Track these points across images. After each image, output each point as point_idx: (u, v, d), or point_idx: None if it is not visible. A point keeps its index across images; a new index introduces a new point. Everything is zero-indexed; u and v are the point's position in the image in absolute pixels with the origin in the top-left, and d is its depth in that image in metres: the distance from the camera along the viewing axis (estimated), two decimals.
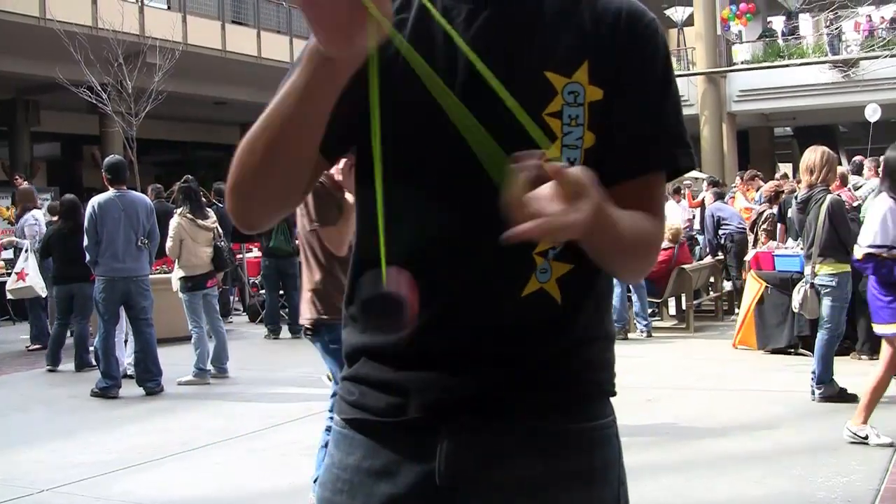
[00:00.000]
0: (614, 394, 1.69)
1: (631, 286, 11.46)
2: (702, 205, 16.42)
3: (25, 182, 17.54)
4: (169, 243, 9.63)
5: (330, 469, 1.68)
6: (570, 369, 1.61)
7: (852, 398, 7.59)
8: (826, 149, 7.85)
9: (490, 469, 1.57)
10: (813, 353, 7.83)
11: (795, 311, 8.26)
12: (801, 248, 8.69)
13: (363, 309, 1.34)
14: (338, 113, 1.43)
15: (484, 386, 1.55)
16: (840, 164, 19.36)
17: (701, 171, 23.06)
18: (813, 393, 7.74)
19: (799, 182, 9.26)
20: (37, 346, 12.45)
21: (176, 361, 9.87)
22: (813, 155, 7.76)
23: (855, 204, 10.05)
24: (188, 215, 9.80)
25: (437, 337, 1.55)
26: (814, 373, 7.79)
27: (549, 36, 1.55)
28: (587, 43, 1.54)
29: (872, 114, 20.29)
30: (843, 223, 7.65)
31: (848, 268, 7.70)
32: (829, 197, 7.68)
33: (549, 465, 1.59)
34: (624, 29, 1.56)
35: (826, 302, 7.64)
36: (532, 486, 1.58)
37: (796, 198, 8.26)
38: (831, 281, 7.61)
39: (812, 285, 7.80)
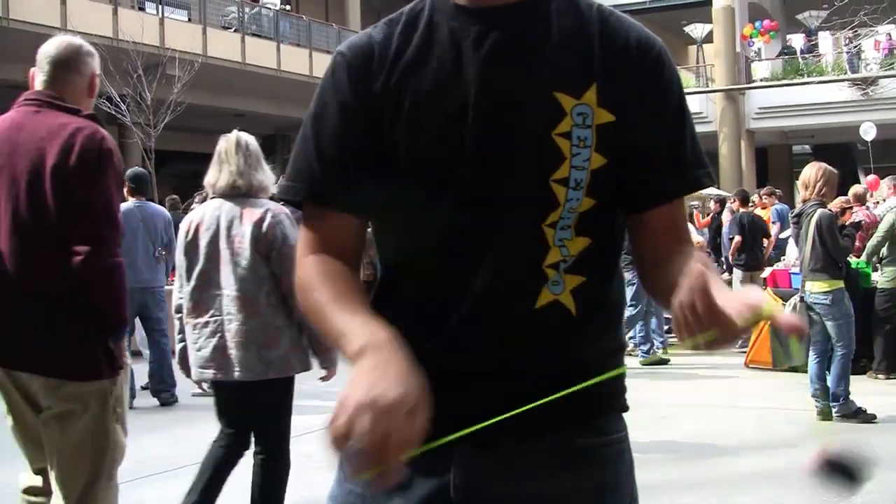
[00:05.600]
0: (626, 409, 1.70)
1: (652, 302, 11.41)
2: (711, 224, 16.38)
3: None
4: None
5: (342, 483, 1.68)
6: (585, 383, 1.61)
7: (871, 418, 7.52)
8: (824, 165, 7.80)
9: (504, 484, 1.58)
10: (829, 371, 7.75)
11: None
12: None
13: None
14: (362, 176, 1.57)
15: (499, 400, 1.55)
16: (858, 182, 19.32)
17: (719, 189, 23.01)
18: (820, 414, 7.67)
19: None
20: None
21: None
22: (810, 171, 7.72)
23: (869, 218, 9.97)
24: None
25: (452, 352, 1.57)
26: (815, 395, 7.72)
27: (558, 57, 1.56)
28: (595, 65, 1.56)
29: (868, 131, 20.21)
30: (833, 238, 7.54)
31: (841, 283, 7.59)
32: (818, 211, 7.60)
33: (563, 480, 1.60)
34: (636, 56, 1.58)
35: (830, 322, 7.53)
36: (546, 502, 1.59)
37: (792, 213, 8.22)
38: (825, 299, 7.52)
39: (802, 299, 7.72)
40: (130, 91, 17.39)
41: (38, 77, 3.49)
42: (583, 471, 1.61)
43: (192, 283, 4.36)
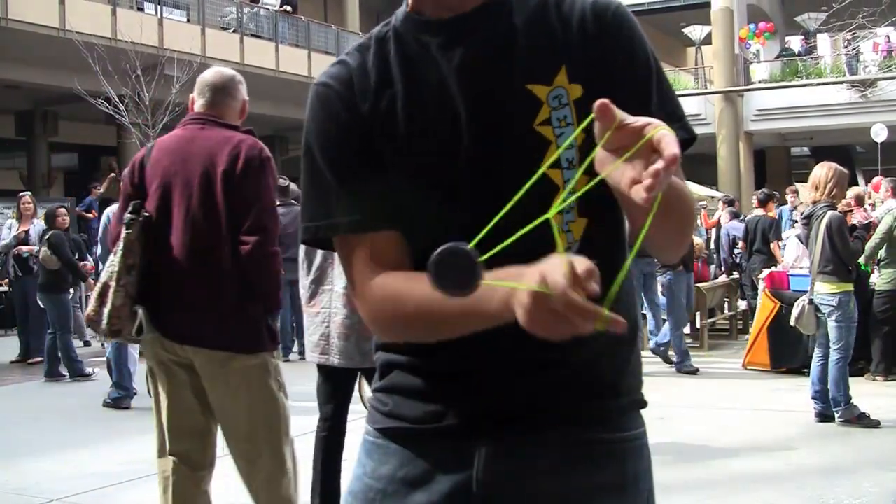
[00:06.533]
0: (645, 404, 1.71)
1: (646, 303, 11.42)
2: (717, 224, 16.34)
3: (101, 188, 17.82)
4: None
5: (361, 479, 1.69)
6: (604, 376, 1.63)
7: (874, 424, 7.48)
8: (835, 165, 7.69)
9: (527, 479, 1.59)
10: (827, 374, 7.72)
11: (792, 324, 8.12)
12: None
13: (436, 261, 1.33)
14: (380, 192, 1.57)
15: (521, 394, 1.57)
16: (857, 184, 19.28)
17: (717, 190, 23.02)
18: (818, 416, 7.65)
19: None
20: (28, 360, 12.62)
21: None
22: (821, 171, 7.62)
23: (872, 220, 9.92)
24: None
25: (468, 351, 1.56)
26: (815, 396, 7.70)
27: (525, 51, 1.59)
28: (560, 47, 1.58)
29: (879, 132, 20.21)
30: (843, 240, 7.49)
31: (850, 287, 7.54)
32: (829, 213, 7.53)
33: (585, 476, 1.60)
34: (593, 25, 1.59)
35: (831, 323, 7.50)
36: (567, 497, 1.60)
37: (802, 214, 8.17)
38: (832, 300, 7.47)
39: (811, 301, 7.68)
40: (129, 91, 17.35)
41: (198, 101, 4.07)
42: (603, 466, 1.62)
43: (311, 276, 4.93)
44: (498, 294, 1.36)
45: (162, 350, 3.89)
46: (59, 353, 10.94)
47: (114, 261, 3.84)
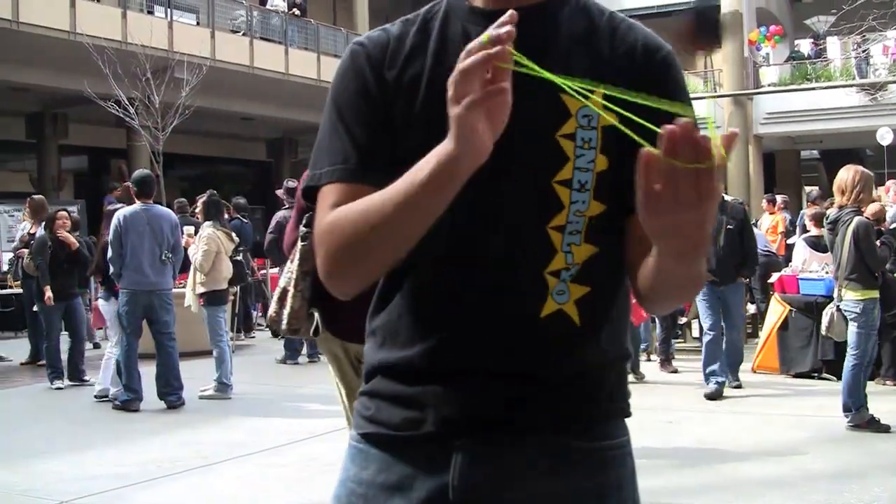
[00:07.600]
0: (629, 414, 1.70)
1: None
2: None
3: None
4: (200, 256, 9.58)
5: (345, 483, 1.69)
6: (587, 389, 1.62)
7: (884, 428, 7.44)
8: (860, 168, 7.58)
9: (503, 485, 1.58)
10: (837, 378, 7.68)
11: (823, 333, 8.05)
12: (828, 272, 8.59)
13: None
14: (386, 157, 1.56)
15: (500, 402, 1.57)
16: None
17: (727, 194, 22.94)
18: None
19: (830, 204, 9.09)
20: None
21: (197, 376, 9.89)
22: (846, 174, 7.50)
23: (892, 226, 9.86)
24: (221, 228, 9.86)
25: (454, 355, 1.57)
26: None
27: (566, 59, 1.57)
28: (602, 69, 1.56)
29: (885, 136, 20.16)
30: (870, 247, 7.41)
31: (875, 294, 7.48)
32: (856, 219, 7.43)
33: (563, 483, 1.59)
34: (641, 62, 1.59)
35: (852, 328, 7.45)
36: (548, 503, 1.59)
37: (827, 218, 8.09)
38: (856, 307, 7.41)
39: (839, 308, 7.63)
40: (139, 94, 17.39)
41: None
42: (583, 474, 1.61)
43: None
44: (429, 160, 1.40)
45: (334, 345, 4.33)
46: (43, 357, 10.99)
47: (291, 268, 4.29)
